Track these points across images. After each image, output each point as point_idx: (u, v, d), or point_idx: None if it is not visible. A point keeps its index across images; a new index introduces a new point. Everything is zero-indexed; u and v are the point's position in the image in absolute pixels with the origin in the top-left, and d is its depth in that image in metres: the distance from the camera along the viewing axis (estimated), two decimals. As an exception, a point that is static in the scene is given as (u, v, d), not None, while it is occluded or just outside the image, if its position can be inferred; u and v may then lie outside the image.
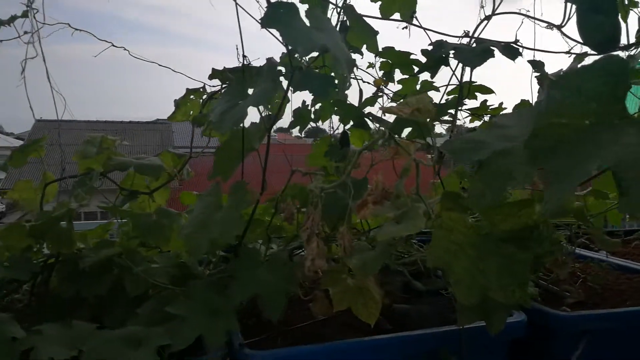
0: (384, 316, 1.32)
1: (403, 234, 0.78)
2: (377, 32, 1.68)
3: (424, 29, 1.38)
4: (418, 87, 1.82)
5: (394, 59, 1.71)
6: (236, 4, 0.96)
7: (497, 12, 1.16)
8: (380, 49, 1.72)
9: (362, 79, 1.72)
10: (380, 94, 1.58)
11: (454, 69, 1.21)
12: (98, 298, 1.20)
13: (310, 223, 0.95)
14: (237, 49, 1.00)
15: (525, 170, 0.63)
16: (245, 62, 0.99)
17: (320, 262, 0.87)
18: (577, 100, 0.56)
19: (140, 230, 1.26)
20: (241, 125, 1.01)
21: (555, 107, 0.58)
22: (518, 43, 1.13)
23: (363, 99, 1.71)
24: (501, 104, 1.88)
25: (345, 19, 1.70)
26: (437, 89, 1.85)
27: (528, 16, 1.18)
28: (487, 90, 1.78)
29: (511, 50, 1.09)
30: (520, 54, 1.11)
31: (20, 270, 1.06)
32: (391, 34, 1.83)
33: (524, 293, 0.70)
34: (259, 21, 0.89)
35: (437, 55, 1.14)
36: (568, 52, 1.15)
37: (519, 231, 0.73)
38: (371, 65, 1.76)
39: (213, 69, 1.48)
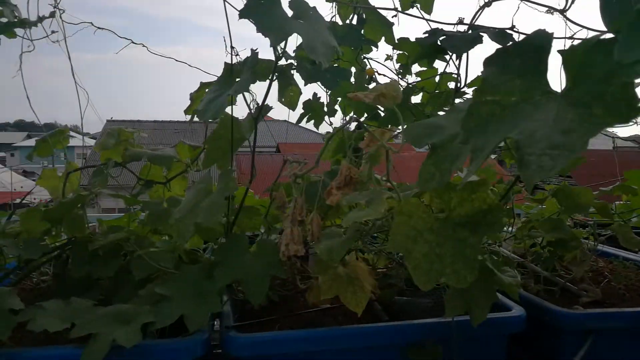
0: (384, 308, 1.32)
1: (363, 219, 0.78)
2: (392, 24, 1.67)
3: (426, 19, 1.36)
4: (437, 78, 1.79)
5: (410, 51, 1.69)
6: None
7: (496, -2, 1.13)
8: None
9: (377, 72, 1.72)
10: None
11: (450, 57, 1.18)
12: (109, 279, 1.27)
13: (293, 210, 0.97)
14: (224, 39, 1.04)
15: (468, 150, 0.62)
16: (233, 53, 1.02)
17: (295, 247, 0.89)
18: (504, 77, 0.55)
19: (150, 217, 1.33)
20: (231, 115, 1.05)
21: (485, 85, 0.57)
22: (514, 29, 1.09)
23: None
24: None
25: (361, 12, 1.71)
26: (456, 80, 1.81)
27: (529, 0, 1.14)
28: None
29: (502, 36, 1.06)
30: (512, 40, 1.07)
31: (32, 251, 1.14)
32: (408, 27, 1.82)
33: (472, 276, 0.69)
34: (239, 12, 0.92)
35: (430, 42, 1.12)
36: (571, 38, 1.10)
37: (473, 215, 0.72)
38: (389, 57, 1.75)
39: (225, 63, 1.53)
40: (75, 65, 1.59)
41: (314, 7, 1.02)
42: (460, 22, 1.18)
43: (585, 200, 1.41)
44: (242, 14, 0.90)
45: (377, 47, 1.66)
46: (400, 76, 1.70)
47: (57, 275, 1.30)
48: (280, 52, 0.97)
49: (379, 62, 1.74)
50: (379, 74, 1.71)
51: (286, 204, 1.12)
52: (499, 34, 1.05)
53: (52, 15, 1.47)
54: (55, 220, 1.23)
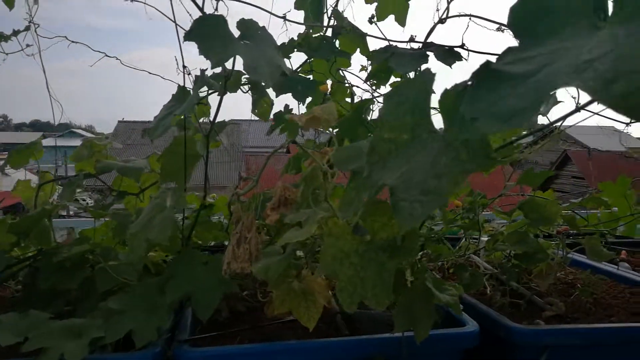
0: (347, 321, 1.33)
1: (293, 240, 0.80)
2: (366, 35, 1.68)
3: (382, 38, 1.37)
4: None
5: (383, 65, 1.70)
6: (175, 22, 1.01)
7: (449, 15, 1.14)
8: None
9: (352, 84, 1.73)
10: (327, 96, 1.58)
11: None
12: (76, 290, 1.30)
13: (240, 227, 0.99)
14: (175, 59, 1.06)
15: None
16: (185, 73, 1.04)
17: (237, 265, 0.90)
18: (398, 114, 0.56)
19: (118, 228, 1.35)
20: (184, 133, 1.07)
21: (383, 121, 0.58)
22: (464, 47, 1.10)
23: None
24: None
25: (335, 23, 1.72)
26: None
27: (478, 17, 1.14)
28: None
29: (448, 55, 1.07)
30: (460, 59, 1.08)
31: (-6, 263, 1.17)
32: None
33: (389, 300, 0.70)
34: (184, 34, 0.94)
35: (383, 58, 1.13)
36: None
37: (393, 240, 0.73)
38: (363, 68, 1.76)
39: (178, 85, 1.56)
40: (90, 67, 1.64)
41: (263, 27, 1.03)
42: (412, 39, 1.18)
43: (552, 213, 1.41)
44: (187, 36, 0.92)
45: (349, 58, 1.68)
46: (374, 87, 1.70)
47: (26, 285, 1.33)
48: (228, 71, 0.98)
49: (353, 74, 1.75)
50: (354, 86, 1.73)
51: (241, 219, 1.13)
52: (444, 53, 1.06)
53: (27, 28, 1.50)
54: (22, 232, 1.26)
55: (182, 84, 1.07)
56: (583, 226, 1.69)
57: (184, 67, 1.06)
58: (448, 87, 0.51)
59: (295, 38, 1.62)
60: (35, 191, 1.45)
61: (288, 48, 1.61)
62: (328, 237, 0.78)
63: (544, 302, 1.41)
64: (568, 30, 0.43)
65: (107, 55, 1.52)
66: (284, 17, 1.46)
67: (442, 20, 1.16)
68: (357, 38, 1.70)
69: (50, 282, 1.25)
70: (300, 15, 1.66)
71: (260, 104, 1.65)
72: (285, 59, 1.66)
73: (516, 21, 0.48)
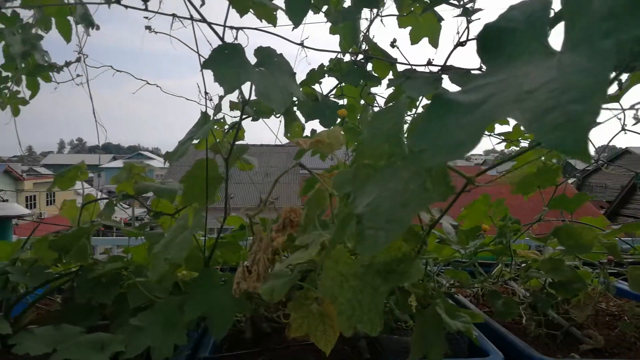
0: (370, 344, 1.32)
1: (296, 262, 0.81)
2: (396, 60, 1.69)
3: (403, 62, 1.37)
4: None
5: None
6: (196, 46, 1.06)
7: (469, 38, 1.13)
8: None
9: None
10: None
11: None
12: (113, 305, 1.37)
13: (255, 248, 1.01)
14: (197, 85, 1.11)
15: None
16: (207, 98, 1.09)
17: (247, 285, 0.92)
18: (376, 141, 0.57)
19: (150, 248, 1.41)
20: (206, 157, 1.11)
21: (362, 148, 0.59)
22: (482, 69, 1.08)
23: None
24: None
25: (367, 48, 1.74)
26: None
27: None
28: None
29: (463, 78, 1.05)
30: (462, 81, 1.06)
31: (36, 278, 1.25)
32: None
33: (380, 325, 0.69)
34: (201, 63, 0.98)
35: (399, 83, 1.13)
36: None
37: (390, 263, 0.72)
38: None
39: (230, 101, 1.62)
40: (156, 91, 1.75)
41: (280, 54, 1.06)
42: (430, 63, 1.18)
43: (588, 240, 1.34)
44: (205, 65, 0.97)
45: (380, 83, 1.68)
46: (407, 110, 1.70)
47: (66, 300, 1.41)
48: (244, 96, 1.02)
49: (383, 97, 1.76)
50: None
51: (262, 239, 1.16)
52: (459, 76, 1.05)
53: (78, 60, 1.61)
54: (62, 249, 1.34)
55: (203, 112, 1.11)
56: (630, 254, 1.59)
57: (206, 93, 1.10)
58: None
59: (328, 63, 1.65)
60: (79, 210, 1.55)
61: (318, 73, 1.64)
62: (328, 259, 0.78)
63: (583, 335, 1.34)
64: (524, 57, 0.43)
65: (148, 83, 1.61)
66: (301, 44, 1.49)
67: (462, 43, 1.16)
68: (388, 63, 1.71)
69: (86, 297, 1.32)
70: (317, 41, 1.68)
71: (292, 127, 1.69)
72: (316, 85, 1.70)
73: (480, 48, 0.48)
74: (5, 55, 1.60)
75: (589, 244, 1.35)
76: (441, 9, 1.71)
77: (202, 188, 1.13)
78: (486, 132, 1.78)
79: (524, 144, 1.76)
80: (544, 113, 0.35)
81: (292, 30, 1.58)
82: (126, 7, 1.17)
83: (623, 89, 1.47)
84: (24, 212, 2.41)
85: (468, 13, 1.10)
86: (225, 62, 0.96)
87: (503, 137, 1.73)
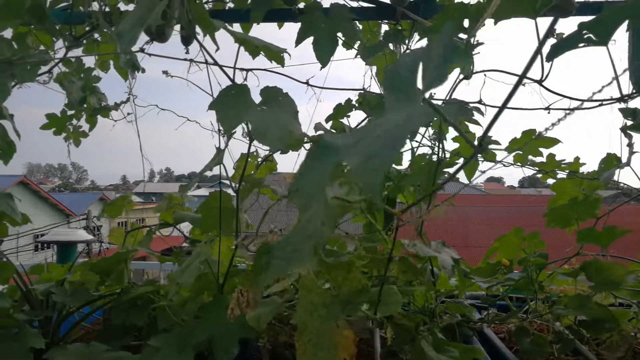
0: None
1: (273, 291, 0.85)
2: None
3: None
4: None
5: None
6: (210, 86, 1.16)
7: (474, 72, 1.13)
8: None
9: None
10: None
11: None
12: (147, 326, 1.47)
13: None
14: (211, 123, 1.20)
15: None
16: (220, 134, 1.17)
17: (238, 311, 0.98)
18: (309, 179, 0.61)
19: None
20: (219, 189, 1.19)
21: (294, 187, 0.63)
22: (482, 102, 1.08)
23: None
24: (577, 158, 1.69)
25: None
26: (497, 142, 1.77)
27: (504, 71, 1.11)
28: (551, 142, 1.64)
29: (458, 111, 1.06)
30: (468, 116, 1.06)
31: (77, 298, 1.38)
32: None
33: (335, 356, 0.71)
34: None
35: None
36: (547, 109, 1.04)
37: (352, 294, 0.75)
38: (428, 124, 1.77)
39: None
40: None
41: (286, 93, 1.13)
42: (431, 97, 1.19)
43: (617, 276, 1.27)
44: (211, 106, 1.05)
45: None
46: (434, 142, 1.71)
47: (105, 320, 1.53)
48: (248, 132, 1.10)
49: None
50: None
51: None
52: (455, 110, 1.05)
53: (127, 100, 1.78)
54: (103, 273, 1.47)
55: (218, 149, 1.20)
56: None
57: (219, 130, 1.19)
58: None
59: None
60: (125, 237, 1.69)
61: (346, 107, 1.70)
62: (301, 289, 0.82)
63: (612, 378, 1.26)
64: (400, 104, 0.46)
65: (188, 120, 1.74)
66: (307, 83, 1.55)
67: (466, 77, 1.17)
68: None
69: (120, 318, 1.43)
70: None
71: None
72: (344, 118, 1.75)
73: (384, 90, 0.51)
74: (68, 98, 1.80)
75: (619, 280, 1.28)
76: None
77: (215, 219, 1.21)
78: (519, 164, 1.74)
79: (562, 174, 1.70)
80: (369, 158, 0.38)
81: (320, 69, 1.66)
82: (150, 55, 1.30)
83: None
84: (88, 238, 2.64)
85: (471, 47, 1.11)
86: (229, 102, 1.04)
87: (538, 168, 1.68)
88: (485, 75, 1.17)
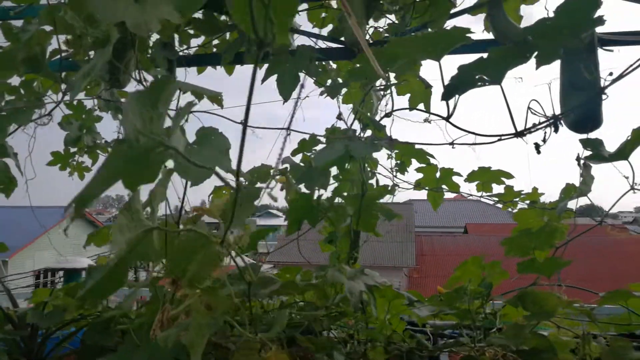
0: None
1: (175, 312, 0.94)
2: (384, 127, 1.80)
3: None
4: (438, 174, 1.82)
5: (404, 150, 1.77)
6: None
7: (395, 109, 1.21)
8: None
9: (373, 171, 1.82)
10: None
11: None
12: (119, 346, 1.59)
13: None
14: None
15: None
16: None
17: (157, 331, 1.08)
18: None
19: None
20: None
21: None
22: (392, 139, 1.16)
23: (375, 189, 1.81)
24: (535, 189, 1.72)
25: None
26: (459, 174, 1.82)
27: (415, 109, 1.18)
28: (506, 176, 1.68)
29: (390, 143, 1.16)
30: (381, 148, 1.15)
31: (50, 320, 1.52)
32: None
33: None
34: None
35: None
36: (451, 144, 1.10)
37: (225, 313, 0.83)
38: (389, 156, 1.85)
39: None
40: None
41: (220, 133, 1.25)
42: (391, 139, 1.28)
43: (551, 306, 1.29)
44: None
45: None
46: (398, 172, 1.78)
47: (82, 341, 1.66)
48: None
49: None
50: (377, 173, 1.82)
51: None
52: (388, 142, 1.14)
53: (117, 138, 1.95)
54: (79, 297, 1.60)
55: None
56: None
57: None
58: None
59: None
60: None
61: (310, 142, 1.80)
62: (193, 312, 0.92)
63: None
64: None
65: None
66: (242, 123, 1.67)
67: (388, 115, 1.24)
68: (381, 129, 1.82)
69: (93, 339, 1.56)
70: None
71: (292, 191, 1.84)
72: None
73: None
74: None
75: (552, 310, 1.30)
76: (430, 77, 1.81)
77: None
78: (481, 194, 1.78)
79: (522, 205, 1.72)
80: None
81: (283, 104, 1.79)
82: (104, 99, 1.47)
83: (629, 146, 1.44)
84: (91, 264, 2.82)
85: (386, 88, 1.20)
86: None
87: (497, 199, 1.72)
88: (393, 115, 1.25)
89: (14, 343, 1.61)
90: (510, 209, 1.74)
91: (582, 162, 1.58)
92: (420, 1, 1.87)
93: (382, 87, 1.87)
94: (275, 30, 0.69)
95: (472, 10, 1.84)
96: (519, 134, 1.04)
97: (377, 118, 1.34)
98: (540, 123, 1.05)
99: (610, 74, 1.22)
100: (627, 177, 1.55)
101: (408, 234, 21.74)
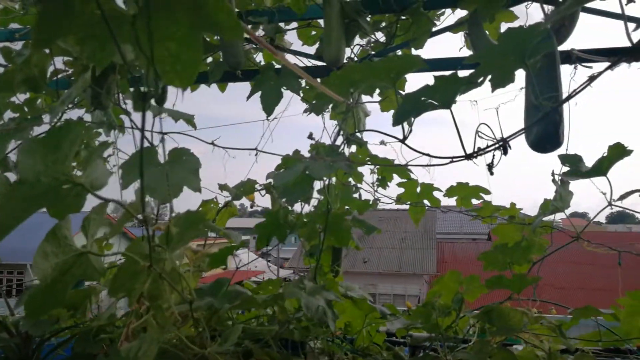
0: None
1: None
2: (366, 142, 1.84)
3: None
4: (418, 189, 1.85)
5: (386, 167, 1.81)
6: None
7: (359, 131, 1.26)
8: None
9: (356, 186, 1.87)
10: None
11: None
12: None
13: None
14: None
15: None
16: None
17: (126, 343, 1.14)
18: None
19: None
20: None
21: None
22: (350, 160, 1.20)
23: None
24: (513, 204, 1.73)
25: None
26: (439, 190, 1.84)
27: (376, 131, 1.22)
28: (483, 191, 1.70)
29: (346, 166, 1.21)
30: (353, 169, 1.20)
31: (37, 329, 1.60)
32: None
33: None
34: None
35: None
36: (406, 165, 1.13)
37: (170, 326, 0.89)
38: (372, 171, 1.89)
39: (219, 184, 1.90)
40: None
41: (191, 153, 1.32)
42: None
43: (515, 321, 1.31)
44: (121, 166, 1.25)
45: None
46: (379, 186, 1.82)
47: (73, 349, 1.74)
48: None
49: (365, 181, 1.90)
50: (360, 188, 1.86)
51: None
52: (347, 164, 1.19)
53: (113, 153, 2.04)
54: (70, 307, 1.69)
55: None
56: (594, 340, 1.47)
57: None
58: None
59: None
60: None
61: (294, 158, 1.85)
62: (149, 327, 0.98)
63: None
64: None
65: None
66: (212, 143, 1.73)
67: (347, 139, 1.29)
68: (363, 148, 1.87)
69: (81, 347, 1.64)
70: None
71: (276, 205, 1.90)
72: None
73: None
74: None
75: (517, 326, 1.32)
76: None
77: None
78: (461, 208, 1.80)
79: (501, 220, 1.74)
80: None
81: (267, 119, 1.85)
82: (86, 122, 1.55)
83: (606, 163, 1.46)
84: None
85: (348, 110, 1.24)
86: (136, 163, 1.23)
87: (476, 214, 1.74)
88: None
89: (11, 349, 1.70)
90: (489, 225, 1.76)
91: (558, 178, 1.60)
92: (404, 20, 1.92)
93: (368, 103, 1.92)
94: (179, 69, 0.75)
95: (453, 29, 1.88)
96: (469, 157, 1.08)
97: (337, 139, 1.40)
98: (488, 146, 1.08)
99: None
100: (604, 193, 1.57)
101: (429, 241, 21.59)
